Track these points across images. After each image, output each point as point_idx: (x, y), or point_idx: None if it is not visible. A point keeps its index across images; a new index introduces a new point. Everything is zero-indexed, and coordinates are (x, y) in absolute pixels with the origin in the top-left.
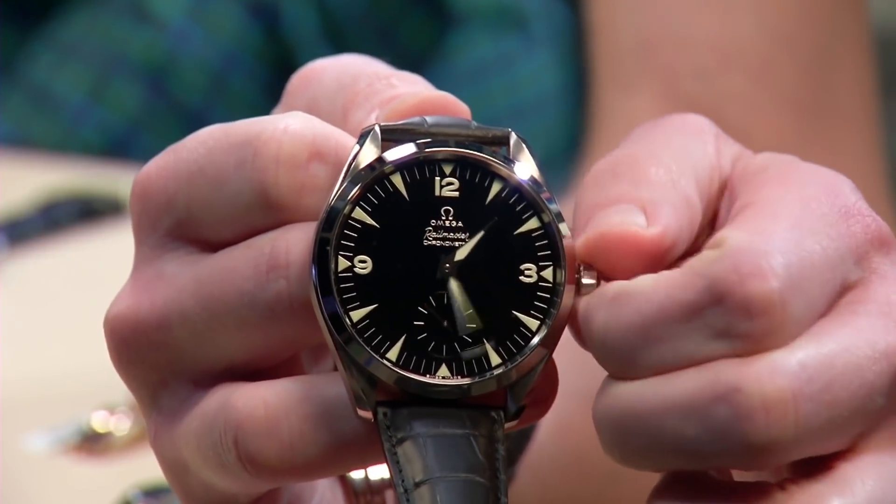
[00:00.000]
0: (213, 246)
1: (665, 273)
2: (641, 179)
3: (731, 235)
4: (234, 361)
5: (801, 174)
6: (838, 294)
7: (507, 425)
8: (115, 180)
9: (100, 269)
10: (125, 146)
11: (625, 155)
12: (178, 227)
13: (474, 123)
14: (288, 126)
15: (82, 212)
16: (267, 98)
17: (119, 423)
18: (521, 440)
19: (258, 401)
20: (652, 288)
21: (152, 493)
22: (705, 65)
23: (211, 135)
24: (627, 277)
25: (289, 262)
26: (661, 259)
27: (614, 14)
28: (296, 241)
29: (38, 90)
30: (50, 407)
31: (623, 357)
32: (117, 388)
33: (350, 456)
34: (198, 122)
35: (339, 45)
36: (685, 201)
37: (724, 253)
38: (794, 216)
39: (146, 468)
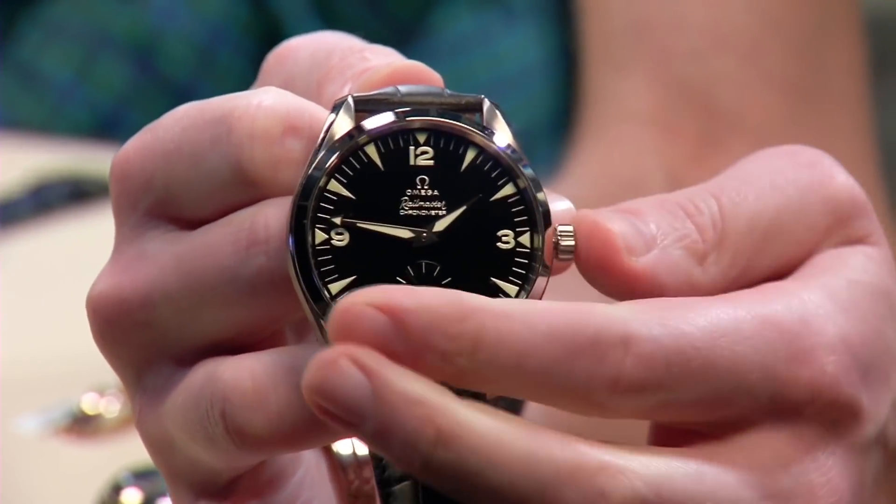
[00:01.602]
0: (192, 224)
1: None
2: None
3: (635, 308)
4: (218, 338)
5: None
6: None
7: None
8: (105, 161)
9: (90, 251)
10: (113, 124)
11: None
12: (158, 206)
13: (447, 91)
14: (261, 101)
15: (72, 193)
16: (255, 71)
17: (109, 406)
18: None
19: (245, 371)
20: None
21: (142, 475)
22: (698, 46)
23: (186, 113)
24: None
25: (268, 237)
26: (630, 288)
27: None
28: (274, 216)
29: (25, 69)
30: (40, 389)
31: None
32: (107, 370)
33: None
34: (186, 97)
35: (326, 15)
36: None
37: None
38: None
39: (136, 450)
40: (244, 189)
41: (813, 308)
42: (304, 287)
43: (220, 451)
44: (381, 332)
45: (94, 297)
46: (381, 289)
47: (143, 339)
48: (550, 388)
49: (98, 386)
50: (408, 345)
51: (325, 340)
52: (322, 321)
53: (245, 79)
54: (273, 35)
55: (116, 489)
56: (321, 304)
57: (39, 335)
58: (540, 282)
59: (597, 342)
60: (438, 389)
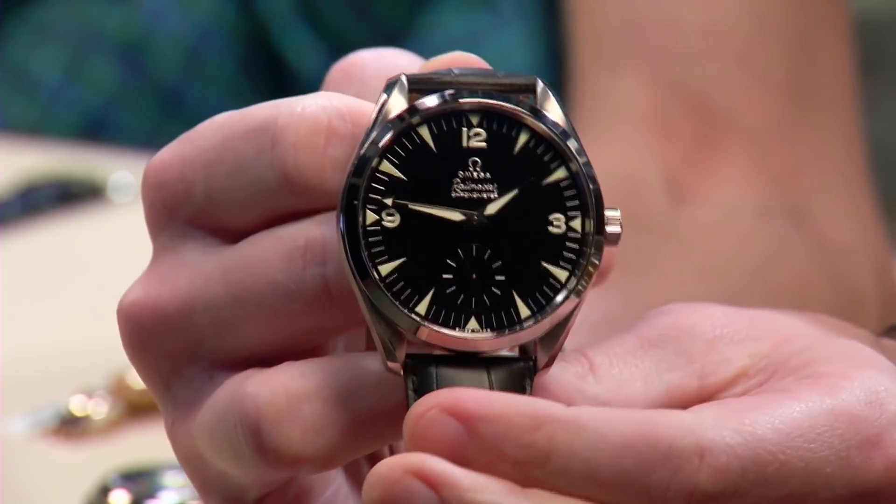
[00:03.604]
0: (234, 233)
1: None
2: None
3: (707, 412)
4: (256, 351)
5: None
6: None
7: (536, 380)
8: (93, 163)
9: (78, 253)
10: (102, 124)
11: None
12: (198, 215)
13: (500, 72)
14: (304, 108)
15: (61, 195)
16: (243, 73)
17: (97, 407)
18: None
19: (278, 386)
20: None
21: (130, 476)
22: (691, 48)
23: (226, 121)
24: None
25: (325, 256)
26: None
27: None
28: (332, 234)
29: (15, 71)
30: (28, 390)
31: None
32: (96, 372)
33: (374, 433)
34: (174, 98)
35: (313, 19)
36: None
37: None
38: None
39: (124, 452)
40: (291, 197)
41: (875, 386)
42: (353, 266)
43: (248, 468)
44: (455, 438)
45: (127, 303)
46: (454, 394)
47: (176, 347)
48: (623, 497)
49: (86, 388)
50: (480, 452)
51: (371, 321)
52: (371, 300)
53: (232, 80)
54: (260, 37)
55: (104, 491)
56: (369, 285)
57: (28, 337)
58: (590, 267)
59: (670, 455)
60: (508, 497)
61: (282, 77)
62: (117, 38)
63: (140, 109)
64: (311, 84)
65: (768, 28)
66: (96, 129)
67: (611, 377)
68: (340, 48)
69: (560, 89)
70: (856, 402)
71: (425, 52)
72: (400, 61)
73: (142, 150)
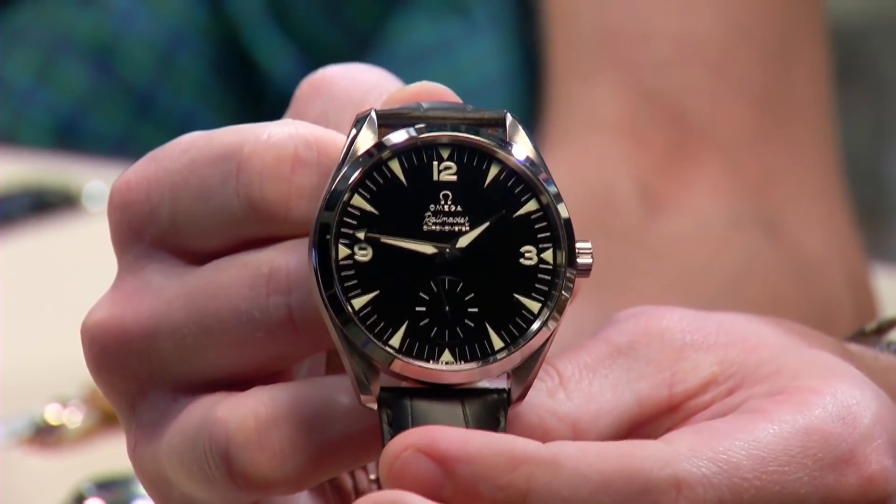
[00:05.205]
0: (198, 256)
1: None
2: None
3: (681, 442)
4: (221, 375)
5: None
6: None
7: (510, 410)
8: (67, 172)
9: (52, 262)
10: (74, 127)
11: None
12: (163, 237)
13: (469, 106)
14: (270, 136)
15: (35, 205)
16: (214, 75)
17: (72, 416)
18: None
19: (247, 411)
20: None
21: (105, 485)
22: (666, 57)
23: (193, 144)
24: None
25: (290, 285)
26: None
27: (576, 4)
28: (297, 264)
29: None
30: (3, 399)
31: None
32: (70, 381)
33: (343, 458)
34: (146, 101)
35: (284, 21)
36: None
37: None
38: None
39: (99, 461)
40: (256, 225)
41: (847, 400)
42: (326, 301)
43: (218, 492)
44: (431, 478)
45: (91, 324)
46: (430, 433)
47: (141, 369)
48: None
49: (61, 397)
50: (457, 492)
51: (345, 355)
52: (345, 334)
53: (204, 82)
54: (231, 39)
55: (79, 499)
56: (343, 319)
57: (2, 346)
58: (563, 298)
59: (647, 489)
60: None
61: (253, 79)
62: (87, 42)
63: (112, 112)
64: (282, 86)
65: (743, 37)
66: (68, 133)
67: (580, 391)
68: (312, 51)
69: (533, 97)
70: (828, 419)
71: (397, 60)
72: (369, 77)
73: (116, 158)
